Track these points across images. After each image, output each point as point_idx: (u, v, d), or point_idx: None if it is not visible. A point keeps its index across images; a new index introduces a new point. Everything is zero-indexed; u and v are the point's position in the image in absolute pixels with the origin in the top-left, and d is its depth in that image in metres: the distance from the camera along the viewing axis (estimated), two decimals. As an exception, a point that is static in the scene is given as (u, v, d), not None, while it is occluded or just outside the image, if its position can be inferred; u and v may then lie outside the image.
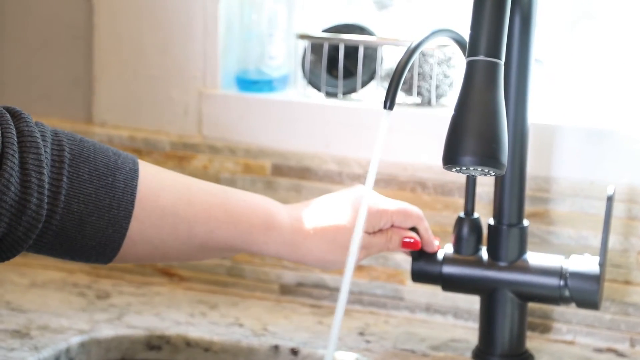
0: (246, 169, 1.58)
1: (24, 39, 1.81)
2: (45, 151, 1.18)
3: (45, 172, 1.16)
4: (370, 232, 1.31)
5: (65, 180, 1.17)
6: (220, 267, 1.63)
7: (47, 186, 1.16)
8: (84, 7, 1.72)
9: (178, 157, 1.60)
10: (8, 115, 1.16)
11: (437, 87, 1.50)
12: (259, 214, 1.31)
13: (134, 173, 1.23)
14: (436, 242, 1.38)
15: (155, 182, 1.27)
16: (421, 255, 1.36)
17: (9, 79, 1.80)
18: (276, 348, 1.40)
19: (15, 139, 1.15)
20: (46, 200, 1.16)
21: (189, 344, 1.42)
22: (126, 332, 1.43)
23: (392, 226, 1.35)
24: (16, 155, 1.14)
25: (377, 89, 1.54)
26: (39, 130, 1.17)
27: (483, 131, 1.05)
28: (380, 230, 1.34)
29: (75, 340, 1.39)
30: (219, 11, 1.61)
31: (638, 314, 1.41)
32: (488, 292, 1.32)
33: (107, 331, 1.42)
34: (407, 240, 1.34)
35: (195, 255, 1.36)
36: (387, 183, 1.49)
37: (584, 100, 1.57)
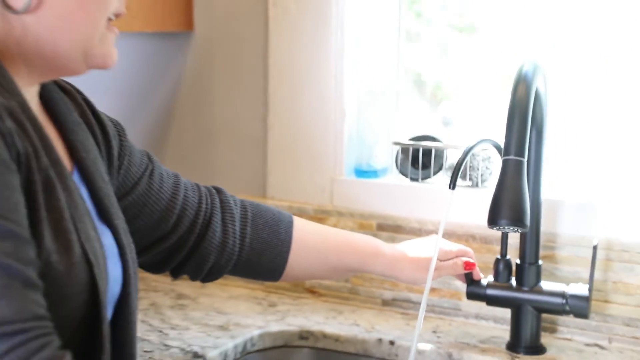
0: (360, 226, 1.61)
1: (214, 140, 1.79)
2: (236, 212, 1.30)
3: (237, 225, 1.29)
4: (443, 260, 1.35)
5: (248, 230, 1.29)
6: (344, 287, 1.66)
7: (238, 234, 1.29)
8: (261, 111, 1.71)
9: (317, 219, 1.61)
10: (214, 190, 1.31)
11: (482, 175, 1.56)
12: (370, 246, 1.36)
13: (290, 224, 1.32)
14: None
15: (303, 229, 1.34)
16: (472, 283, 1.40)
17: (206, 167, 1.78)
18: (380, 340, 1.45)
19: (219, 205, 1.29)
20: (238, 243, 1.28)
21: (325, 336, 1.48)
22: (286, 328, 1.50)
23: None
24: (219, 214, 1.28)
25: (443, 177, 1.59)
26: (232, 199, 1.31)
27: (514, 204, 1.15)
28: (448, 260, 1.37)
29: (256, 332, 1.48)
30: (344, 131, 1.64)
31: (614, 321, 1.43)
32: (516, 306, 1.37)
33: (275, 327, 1.50)
34: (467, 260, 1.38)
35: (329, 275, 1.42)
36: (450, 236, 1.49)
37: (579, 178, 1.55)
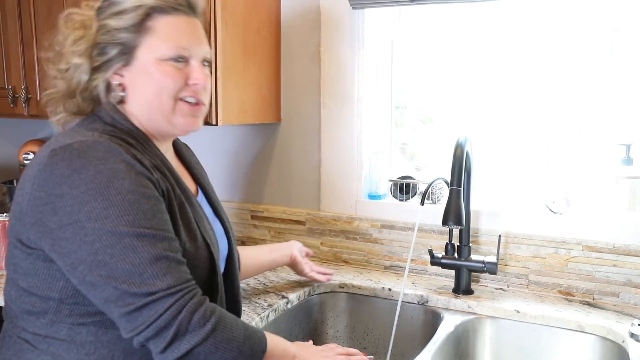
0: (372, 226, 1.62)
1: (293, 179, 1.74)
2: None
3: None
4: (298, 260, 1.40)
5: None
6: (363, 259, 1.64)
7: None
8: (317, 164, 1.69)
9: (347, 222, 1.64)
10: None
11: (437, 197, 1.59)
12: (276, 254, 1.40)
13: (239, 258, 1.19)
14: None
15: (242, 256, 1.27)
16: (433, 257, 1.39)
17: (289, 195, 1.75)
18: (383, 288, 1.46)
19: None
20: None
21: (353, 286, 1.49)
22: (332, 281, 1.49)
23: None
24: None
25: (417, 198, 1.62)
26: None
27: (456, 213, 1.23)
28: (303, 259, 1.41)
29: (315, 284, 1.48)
30: (362, 174, 1.65)
31: (510, 276, 1.48)
32: (457, 269, 1.42)
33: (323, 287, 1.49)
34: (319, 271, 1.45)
35: (258, 273, 1.40)
36: (420, 230, 1.53)
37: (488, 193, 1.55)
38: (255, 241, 1.79)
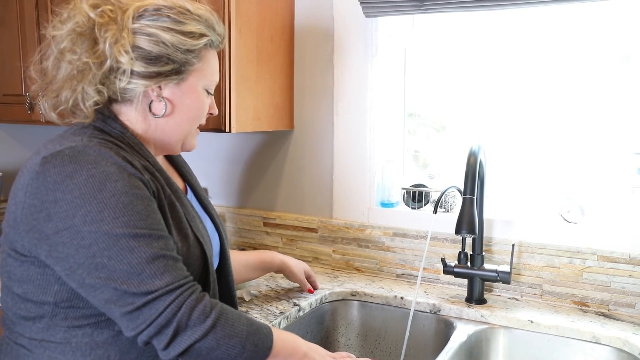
0: (384, 234, 1.62)
1: (305, 185, 1.75)
2: None
3: None
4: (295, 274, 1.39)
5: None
6: (375, 267, 1.64)
7: None
8: (329, 171, 1.70)
9: (360, 230, 1.65)
10: None
11: (451, 205, 1.58)
12: (268, 258, 1.38)
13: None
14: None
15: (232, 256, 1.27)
16: (446, 266, 1.39)
17: (303, 201, 1.77)
18: (395, 296, 1.46)
19: None
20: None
21: (365, 294, 1.49)
22: (344, 289, 1.51)
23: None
24: None
25: (429, 207, 1.61)
26: None
27: (469, 222, 1.22)
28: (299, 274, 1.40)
29: (327, 292, 1.47)
30: (375, 181, 1.65)
31: (523, 285, 1.47)
32: (470, 278, 1.38)
33: (337, 289, 1.51)
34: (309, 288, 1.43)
35: (253, 277, 1.38)
36: (432, 239, 1.53)
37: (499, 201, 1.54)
38: (267, 248, 1.80)
